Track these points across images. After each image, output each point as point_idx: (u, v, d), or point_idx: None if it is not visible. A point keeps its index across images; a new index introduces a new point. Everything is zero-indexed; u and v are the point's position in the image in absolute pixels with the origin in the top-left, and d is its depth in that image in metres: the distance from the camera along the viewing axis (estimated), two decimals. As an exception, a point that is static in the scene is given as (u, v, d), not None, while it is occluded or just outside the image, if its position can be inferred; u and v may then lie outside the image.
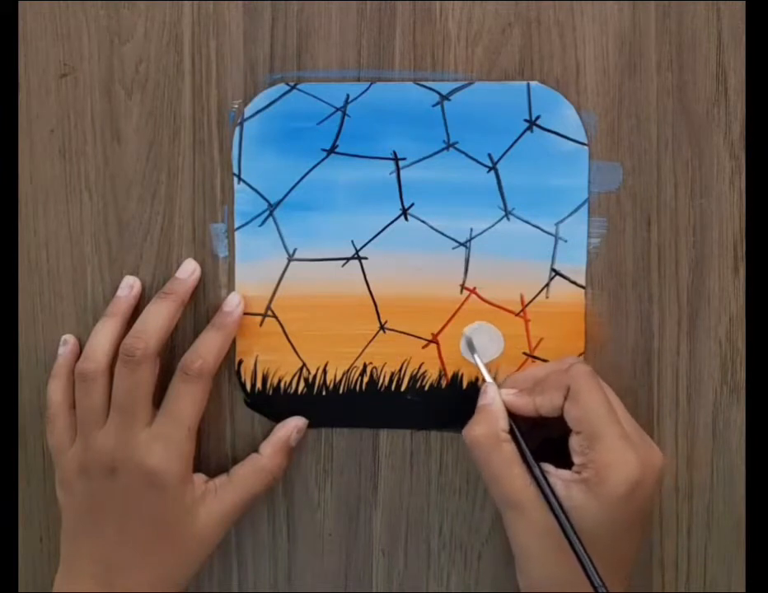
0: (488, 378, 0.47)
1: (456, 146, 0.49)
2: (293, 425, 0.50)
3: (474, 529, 0.51)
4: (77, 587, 0.47)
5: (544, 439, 0.46)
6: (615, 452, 0.43)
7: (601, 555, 0.42)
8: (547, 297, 0.49)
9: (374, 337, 0.50)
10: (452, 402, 0.50)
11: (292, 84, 0.49)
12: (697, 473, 0.50)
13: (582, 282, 0.49)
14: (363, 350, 0.50)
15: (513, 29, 0.48)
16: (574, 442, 0.44)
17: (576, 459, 0.43)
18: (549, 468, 0.44)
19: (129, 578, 0.47)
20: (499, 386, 0.47)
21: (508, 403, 0.46)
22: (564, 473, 0.44)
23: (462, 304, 0.50)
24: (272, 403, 0.51)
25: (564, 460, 0.44)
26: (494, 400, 0.46)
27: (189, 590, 0.50)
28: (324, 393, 0.51)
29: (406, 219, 0.50)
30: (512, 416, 0.45)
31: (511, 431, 0.45)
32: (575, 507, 0.42)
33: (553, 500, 0.42)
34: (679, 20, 0.48)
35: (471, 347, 0.49)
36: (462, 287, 0.50)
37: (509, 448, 0.44)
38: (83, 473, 0.48)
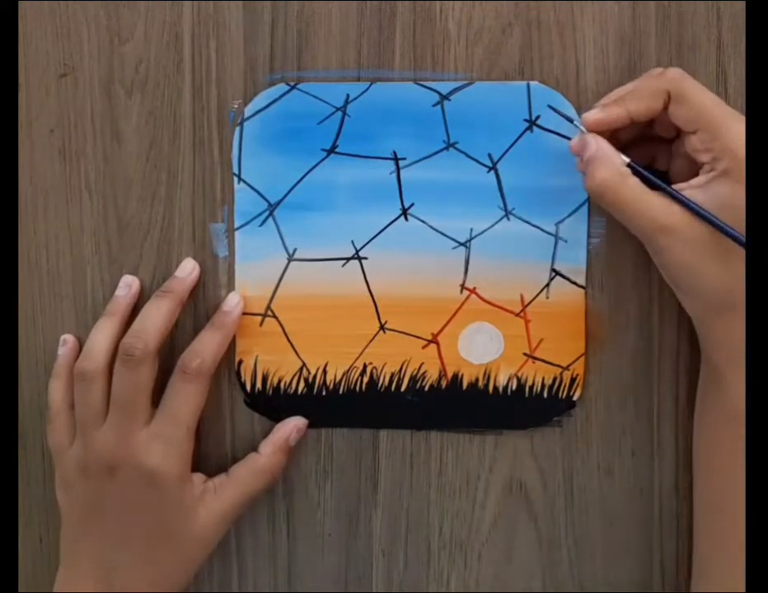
0: (583, 129, 0.45)
1: (456, 146, 0.49)
2: (293, 425, 0.50)
3: (474, 529, 0.51)
4: (77, 587, 0.47)
5: None
6: (740, 130, 0.42)
7: None
8: (547, 297, 0.49)
9: (374, 337, 0.50)
10: (452, 402, 0.50)
11: (292, 84, 0.49)
12: (697, 474, 0.50)
13: (582, 282, 0.49)
14: (363, 350, 0.50)
15: (513, 29, 0.48)
16: (696, 143, 0.42)
17: (703, 157, 0.42)
18: (678, 185, 0.43)
19: (129, 578, 0.47)
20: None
21: (600, 121, 0.44)
22: (698, 179, 0.43)
23: (462, 304, 0.50)
24: (272, 403, 0.51)
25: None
26: (599, 145, 0.44)
27: (189, 590, 0.50)
28: (324, 393, 0.51)
29: (406, 219, 0.50)
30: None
31: (629, 166, 0.43)
32: (725, 204, 0.41)
33: (693, 206, 0.41)
34: (679, 20, 0.48)
35: None
36: (462, 287, 0.50)
37: (634, 180, 0.43)
38: (83, 473, 0.48)
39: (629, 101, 0.44)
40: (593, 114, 0.44)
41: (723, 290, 0.43)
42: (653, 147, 0.46)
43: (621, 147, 0.44)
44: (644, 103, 0.44)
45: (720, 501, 0.45)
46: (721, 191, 0.42)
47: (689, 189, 0.42)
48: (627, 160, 0.44)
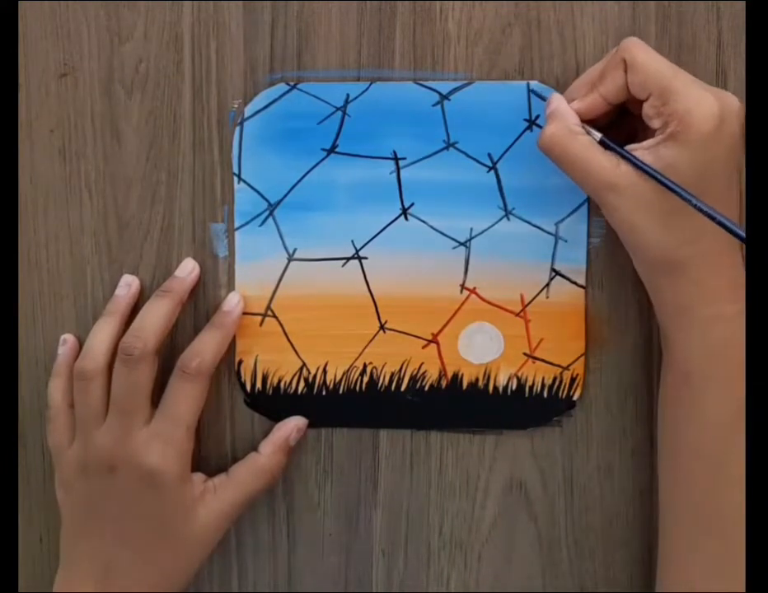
0: (552, 92, 0.47)
1: (456, 145, 0.49)
2: (293, 425, 0.50)
3: (474, 529, 0.51)
4: (77, 587, 0.47)
5: None
6: (690, 95, 0.42)
7: (709, 202, 0.41)
8: (547, 297, 0.49)
9: (374, 337, 0.50)
10: (452, 402, 0.50)
11: (292, 84, 0.49)
12: (697, 474, 0.50)
13: (582, 282, 0.49)
14: (363, 350, 0.50)
15: (513, 29, 0.48)
16: (648, 109, 0.43)
17: (655, 123, 0.43)
18: (629, 146, 0.43)
19: (129, 578, 0.47)
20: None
21: (577, 110, 0.45)
22: (648, 142, 0.43)
23: (462, 304, 0.50)
24: (272, 403, 0.51)
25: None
26: (558, 104, 0.45)
27: (189, 590, 0.50)
28: (324, 393, 0.51)
29: (406, 219, 0.50)
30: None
31: (601, 142, 0.44)
32: (669, 165, 0.42)
33: (641, 164, 0.42)
34: (679, 20, 0.48)
35: None
36: (462, 287, 0.50)
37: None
38: (82, 473, 0.48)
39: (600, 86, 0.44)
40: (574, 105, 0.45)
41: (666, 249, 0.43)
42: (631, 125, 0.46)
43: (601, 128, 0.45)
44: (610, 80, 0.44)
45: (675, 462, 0.46)
46: (666, 153, 0.42)
47: (640, 150, 0.43)
48: (599, 135, 0.44)
